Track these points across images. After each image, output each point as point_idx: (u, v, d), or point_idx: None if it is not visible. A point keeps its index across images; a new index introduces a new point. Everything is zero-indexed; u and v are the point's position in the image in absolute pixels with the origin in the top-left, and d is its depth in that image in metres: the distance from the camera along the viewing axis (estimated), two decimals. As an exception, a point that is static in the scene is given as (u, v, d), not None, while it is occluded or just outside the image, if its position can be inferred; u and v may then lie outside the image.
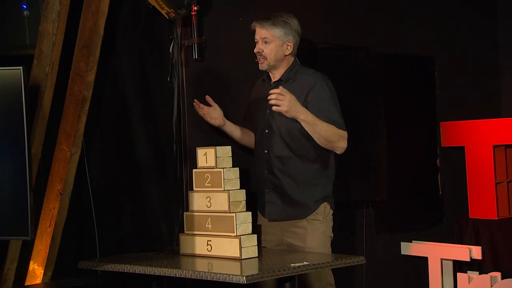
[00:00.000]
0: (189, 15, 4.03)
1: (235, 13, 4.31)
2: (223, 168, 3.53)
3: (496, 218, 5.17)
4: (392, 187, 4.95)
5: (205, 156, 3.58)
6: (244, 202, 3.52)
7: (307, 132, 3.67)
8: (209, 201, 3.56)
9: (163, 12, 3.94)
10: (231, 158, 3.58)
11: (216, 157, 3.54)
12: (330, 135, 3.65)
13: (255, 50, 3.79)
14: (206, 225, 3.56)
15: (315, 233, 3.75)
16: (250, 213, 3.51)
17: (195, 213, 3.63)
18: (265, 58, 3.76)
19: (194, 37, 4.07)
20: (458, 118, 5.34)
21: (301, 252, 3.73)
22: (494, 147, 5.18)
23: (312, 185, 3.77)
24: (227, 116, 4.19)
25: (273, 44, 3.74)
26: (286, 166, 3.76)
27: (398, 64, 5.12)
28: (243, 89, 4.24)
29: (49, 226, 3.66)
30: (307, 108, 3.65)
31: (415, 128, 5.26)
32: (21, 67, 3.19)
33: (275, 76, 3.83)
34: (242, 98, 4.26)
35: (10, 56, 3.62)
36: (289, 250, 3.79)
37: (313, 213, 3.76)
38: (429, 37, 5.33)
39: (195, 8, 4.03)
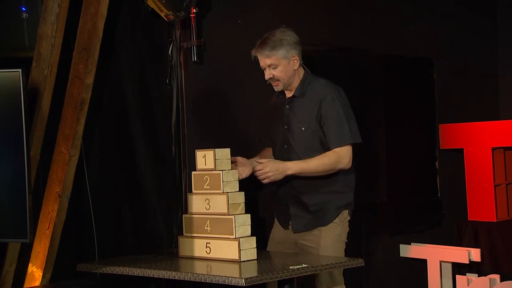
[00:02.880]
0: (188, 17, 4.03)
1: (234, 15, 4.31)
2: (222, 170, 3.53)
3: (495, 221, 5.17)
4: (391, 189, 4.95)
5: (204, 158, 3.58)
6: (243, 204, 3.52)
7: (327, 146, 3.69)
8: (208, 203, 3.56)
9: (162, 14, 3.94)
10: (230, 160, 3.58)
11: (215, 159, 3.54)
12: (325, 167, 3.66)
13: (266, 78, 3.74)
14: (205, 228, 3.56)
15: (330, 234, 3.77)
16: (249, 215, 3.50)
17: (194, 216, 3.63)
18: (278, 80, 3.73)
19: (193, 39, 4.07)
20: (457, 121, 5.34)
21: (301, 254, 3.73)
22: (493, 149, 5.18)
23: (336, 193, 3.78)
24: (226, 117, 4.20)
25: (280, 66, 3.69)
26: (308, 180, 3.74)
27: (397, 66, 5.13)
28: (242, 91, 4.24)
29: (48, 229, 3.66)
30: (320, 122, 3.68)
31: (414, 130, 5.26)
32: (20, 70, 3.18)
33: (289, 92, 3.82)
34: (240, 100, 4.26)
35: (9, 58, 3.62)
36: (288, 252, 3.79)
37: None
38: (429, 39, 5.33)
39: (194, 11, 4.03)
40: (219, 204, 3.51)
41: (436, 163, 5.36)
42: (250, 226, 3.49)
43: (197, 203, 3.61)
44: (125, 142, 4.05)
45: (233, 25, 4.30)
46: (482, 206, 5.23)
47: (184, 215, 3.72)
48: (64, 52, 3.67)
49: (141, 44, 4.09)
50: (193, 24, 4.06)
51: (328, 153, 3.68)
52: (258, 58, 3.74)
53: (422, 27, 5.29)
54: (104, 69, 3.86)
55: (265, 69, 3.74)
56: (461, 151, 5.34)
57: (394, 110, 5.04)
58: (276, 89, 3.79)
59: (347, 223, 3.84)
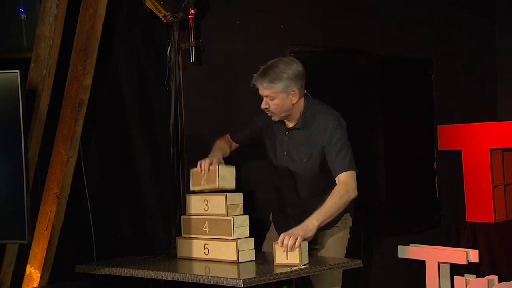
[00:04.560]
0: (186, 18, 4.03)
1: (232, 16, 4.31)
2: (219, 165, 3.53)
3: (493, 222, 5.18)
4: (389, 190, 4.95)
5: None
6: (241, 206, 3.52)
7: (324, 168, 3.66)
8: (206, 205, 3.56)
9: (160, 15, 3.94)
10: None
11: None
12: (341, 205, 3.55)
13: (262, 107, 3.66)
14: (203, 229, 3.56)
15: (332, 235, 3.79)
16: (247, 216, 3.50)
17: (192, 217, 3.63)
18: (273, 112, 3.66)
19: (192, 40, 4.07)
20: (455, 122, 5.35)
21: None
22: (491, 150, 5.18)
23: None
24: (224, 118, 4.19)
25: (277, 99, 3.60)
26: (310, 200, 3.71)
27: (395, 67, 5.13)
28: (240, 92, 4.24)
29: (46, 230, 3.66)
30: (323, 152, 3.63)
31: (412, 131, 5.26)
32: (18, 71, 3.18)
33: (289, 123, 3.73)
34: (239, 101, 4.26)
35: (7, 59, 3.62)
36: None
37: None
38: (427, 40, 5.34)
39: (192, 12, 4.03)
40: (217, 205, 3.51)
41: (435, 164, 5.36)
42: (248, 227, 3.49)
43: (196, 204, 3.61)
44: (123, 143, 4.04)
45: (232, 26, 4.30)
46: (480, 207, 5.23)
47: (182, 216, 3.72)
48: (62, 53, 3.67)
49: (139, 45, 4.09)
50: (191, 25, 4.06)
51: (335, 188, 3.57)
52: (258, 87, 3.64)
53: (420, 29, 5.29)
54: (102, 70, 3.86)
55: (263, 97, 3.65)
56: (459, 152, 5.34)
57: (393, 111, 5.04)
58: (273, 119, 3.71)
59: (348, 230, 3.85)
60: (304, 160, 3.69)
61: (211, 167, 3.61)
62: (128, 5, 4.01)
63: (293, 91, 3.61)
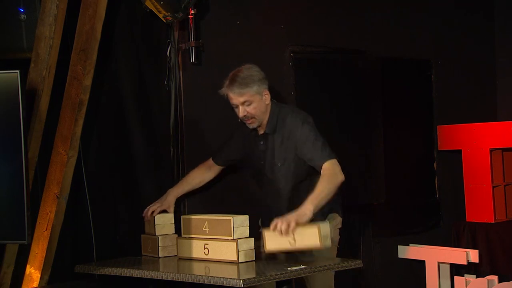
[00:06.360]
0: (186, 18, 4.03)
1: (232, 16, 4.31)
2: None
3: (493, 222, 5.18)
4: (389, 191, 4.95)
5: None
6: (241, 206, 3.52)
7: (301, 172, 3.68)
8: (206, 205, 3.57)
9: (160, 15, 3.94)
10: None
11: None
12: (332, 187, 3.55)
13: (240, 115, 3.67)
14: (203, 229, 3.56)
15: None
16: (247, 216, 3.51)
17: (192, 217, 3.63)
18: (253, 117, 3.67)
19: (191, 40, 4.07)
20: (455, 122, 5.34)
21: (298, 255, 3.73)
22: (491, 150, 5.18)
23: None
24: (224, 119, 4.19)
25: (255, 102, 3.64)
26: (293, 203, 3.66)
27: (395, 67, 5.13)
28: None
29: (46, 230, 3.66)
30: (296, 151, 3.64)
31: (412, 132, 5.26)
32: (18, 71, 3.19)
33: (260, 128, 3.76)
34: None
35: (7, 59, 3.63)
36: (286, 253, 3.79)
37: None
38: (426, 40, 5.34)
39: (192, 12, 4.03)
40: (217, 205, 3.52)
41: (434, 164, 5.36)
42: (248, 227, 3.50)
43: (195, 204, 3.62)
44: (123, 143, 4.05)
45: (231, 26, 4.30)
46: (480, 207, 5.23)
47: (182, 216, 3.72)
48: (62, 54, 3.68)
49: (139, 46, 4.09)
50: (191, 25, 4.06)
51: (322, 174, 3.59)
52: (230, 96, 3.67)
53: (420, 29, 5.29)
54: (102, 70, 3.87)
55: (237, 107, 3.67)
56: (459, 152, 5.34)
57: (392, 112, 5.04)
58: (251, 127, 3.72)
59: (338, 231, 3.84)
60: (279, 164, 3.67)
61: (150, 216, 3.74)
62: (128, 5, 4.01)
63: (264, 91, 3.68)
